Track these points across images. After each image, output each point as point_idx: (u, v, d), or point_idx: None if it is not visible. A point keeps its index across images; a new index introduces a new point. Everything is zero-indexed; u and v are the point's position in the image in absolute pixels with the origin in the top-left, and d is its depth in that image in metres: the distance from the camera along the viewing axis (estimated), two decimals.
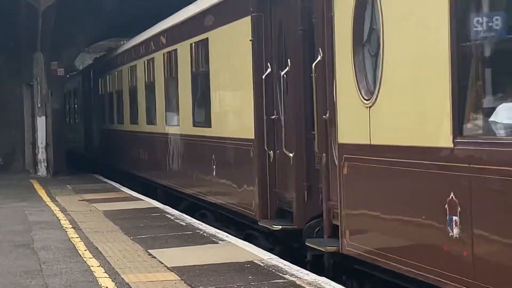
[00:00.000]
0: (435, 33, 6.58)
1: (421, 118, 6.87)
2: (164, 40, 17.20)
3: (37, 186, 21.88)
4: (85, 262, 10.09)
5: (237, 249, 10.69)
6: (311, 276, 8.66)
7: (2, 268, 9.91)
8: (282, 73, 10.52)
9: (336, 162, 8.69)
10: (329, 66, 8.89)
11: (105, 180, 23.88)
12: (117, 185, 21.74)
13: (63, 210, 15.93)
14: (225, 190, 13.14)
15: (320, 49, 9.15)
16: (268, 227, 10.78)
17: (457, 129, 6.35)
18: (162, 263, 9.79)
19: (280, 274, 8.82)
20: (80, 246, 11.32)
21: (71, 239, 12.02)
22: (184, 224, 13.43)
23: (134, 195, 18.85)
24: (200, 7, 14.43)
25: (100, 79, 27.52)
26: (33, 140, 26.28)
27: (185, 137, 15.83)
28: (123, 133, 22.51)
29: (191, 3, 15.54)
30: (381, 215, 7.70)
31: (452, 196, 6.30)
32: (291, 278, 8.56)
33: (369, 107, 7.84)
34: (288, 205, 10.70)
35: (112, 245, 11.36)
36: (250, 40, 11.42)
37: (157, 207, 16.09)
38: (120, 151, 23.31)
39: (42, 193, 19.98)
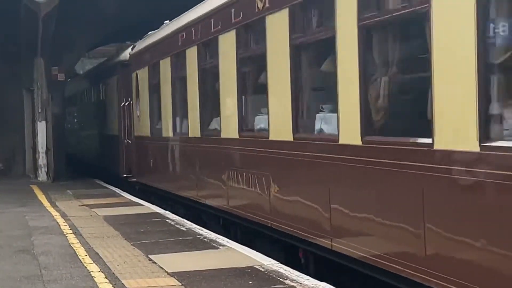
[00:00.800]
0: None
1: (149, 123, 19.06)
2: (93, 79, 30.24)
3: (37, 191, 21.89)
4: (86, 267, 10.09)
5: (238, 254, 10.69)
6: (311, 282, 8.66)
7: (2, 273, 9.91)
8: (127, 104, 21.64)
9: (134, 144, 21.28)
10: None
11: (105, 185, 23.92)
12: (117, 190, 21.77)
13: (63, 215, 15.93)
14: (113, 162, 24.39)
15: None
16: (122, 176, 22.37)
17: (151, 131, 19.10)
18: (163, 268, 9.79)
19: (281, 279, 8.82)
20: (81, 251, 11.32)
21: (71, 245, 12.03)
22: (185, 229, 13.43)
23: (135, 200, 18.87)
24: (104, 64, 28.49)
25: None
26: (33, 145, 26.30)
27: (100, 135, 27.88)
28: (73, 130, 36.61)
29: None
30: (142, 163, 20.07)
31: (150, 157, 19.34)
32: (291, 284, 8.56)
33: (139, 120, 20.17)
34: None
35: (113, 250, 11.36)
36: (117, 88, 23.32)
37: (157, 213, 16.10)
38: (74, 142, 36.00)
39: (42, 198, 19.99)
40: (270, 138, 10.52)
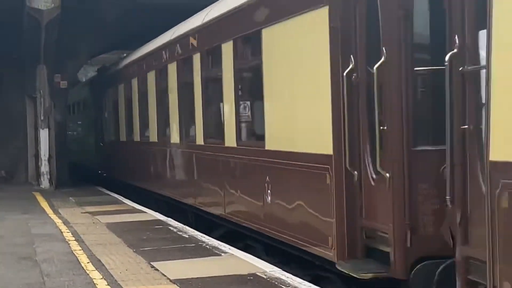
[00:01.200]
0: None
1: (112, 131, 26.14)
2: (85, 91, 33.80)
3: (40, 199, 21.90)
4: (88, 274, 10.10)
5: (240, 261, 10.70)
6: None
7: (4, 281, 9.92)
8: (104, 115, 26.91)
9: (105, 147, 27.62)
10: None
11: (108, 192, 23.93)
12: (120, 197, 21.78)
13: (66, 223, 15.94)
14: (96, 161, 29.83)
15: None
16: (98, 172, 27.81)
17: (114, 137, 26.01)
18: (165, 276, 9.80)
19: (283, 286, 8.82)
20: (83, 259, 11.33)
21: (73, 252, 12.04)
22: (187, 236, 13.44)
23: (137, 207, 18.87)
24: (91, 80, 33.41)
25: None
26: (36, 152, 26.30)
27: (90, 140, 31.64)
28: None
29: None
30: (110, 161, 26.66)
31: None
32: None
33: (107, 128, 26.84)
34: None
35: (115, 257, 11.37)
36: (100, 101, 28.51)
37: (159, 220, 16.10)
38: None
39: (45, 205, 20.00)
40: (171, 142, 17.17)
